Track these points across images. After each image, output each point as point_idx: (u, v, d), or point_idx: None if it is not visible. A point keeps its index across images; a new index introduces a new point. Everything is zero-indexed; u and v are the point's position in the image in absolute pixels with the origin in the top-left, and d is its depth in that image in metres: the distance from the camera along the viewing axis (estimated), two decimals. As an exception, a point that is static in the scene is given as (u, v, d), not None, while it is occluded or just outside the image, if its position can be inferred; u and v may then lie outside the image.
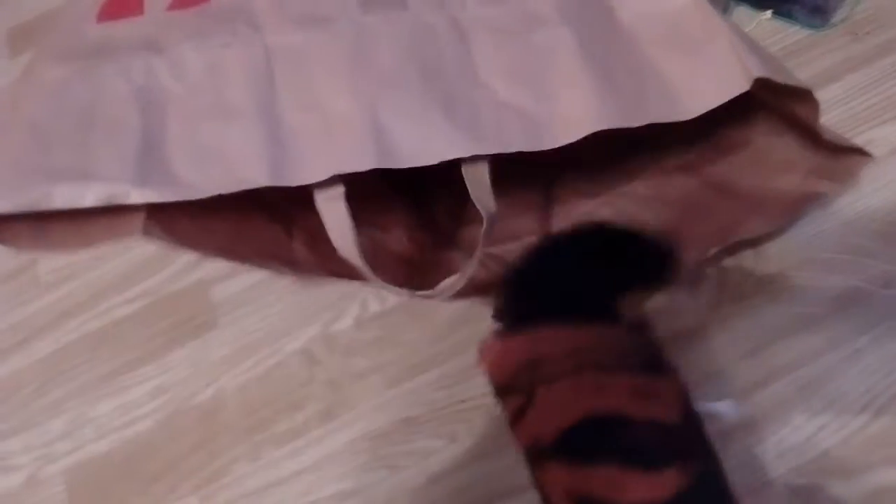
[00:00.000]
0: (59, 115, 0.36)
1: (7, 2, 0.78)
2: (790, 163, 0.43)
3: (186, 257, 0.58)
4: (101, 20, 0.41)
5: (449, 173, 0.55)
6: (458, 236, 0.53)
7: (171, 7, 0.40)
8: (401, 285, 0.47)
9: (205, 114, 0.36)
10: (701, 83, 0.33)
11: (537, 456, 0.33)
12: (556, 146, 0.32)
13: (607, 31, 0.35)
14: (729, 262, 0.48)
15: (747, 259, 0.48)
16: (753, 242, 0.47)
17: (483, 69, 0.35)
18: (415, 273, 0.50)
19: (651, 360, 0.35)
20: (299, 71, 0.36)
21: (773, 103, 0.39)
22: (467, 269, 0.38)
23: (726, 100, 0.32)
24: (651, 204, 0.49)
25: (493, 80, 0.35)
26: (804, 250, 0.48)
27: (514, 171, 0.39)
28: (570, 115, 0.33)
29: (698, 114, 0.32)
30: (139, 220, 0.39)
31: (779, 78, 0.32)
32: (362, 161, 0.33)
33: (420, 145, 0.33)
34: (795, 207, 0.44)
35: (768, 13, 0.57)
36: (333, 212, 0.35)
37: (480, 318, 0.52)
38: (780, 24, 0.57)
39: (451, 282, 0.38)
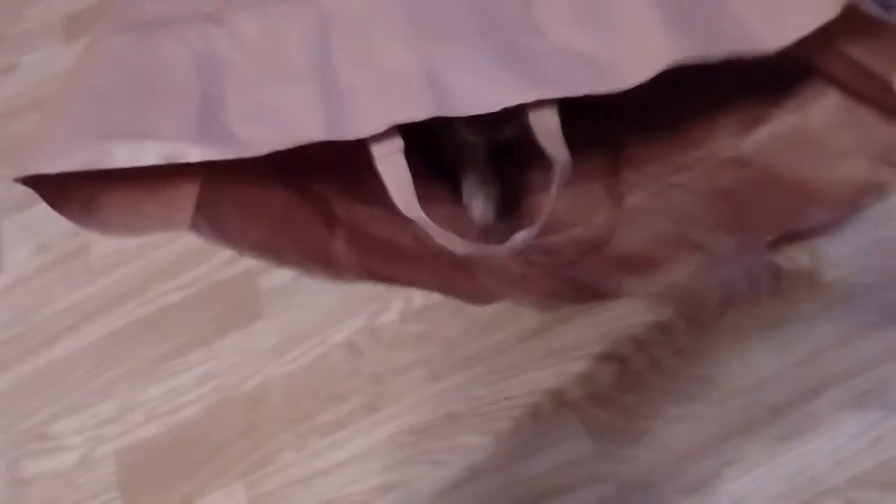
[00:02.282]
0: (118, 80, 0.36)
1: (64, -10, 0.80)
2: (854, 147, 0.41)
3: (234, 247, 0.59)
4: None
5: (492, 163, 0.55)
6: (519, 207, 0.53)
7: None
8: (445, 279, 0.47)
9: (262, 77, 0.36)
10: (781, 13, 0.31)
11: None
12: (627, 86, 0.31)
13: None
14: (784, 265, 0.47)
15: (805, 264, 0.47)
16: (809, 234, 0.46)
17: (543, 16, 0.34)
18: (462, 264, 0.50)
19: None
20: (354, 27, 0.36)
21: (837, 67, 0.36)
22: (541, 220, 0.36)
23: (813, 28, 0.30)
24: (705, 195, 0.48)
25: (555, 25, 0.33)
26: (863, 256, 0.47)
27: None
28: (639, 52, 0.31)
29: (781, 45, 0.30)
30: (188, 210, 0.40)
31: (864, 6, 0.30)
32: (419, 110, 0.32)
33: (479, 92, 0.32)
34: (858, 197, 0.42)
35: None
36: (393, 166, 0.34)
37: (524, 315, 0.52)
38: None
39: (522, 236, 0.37)
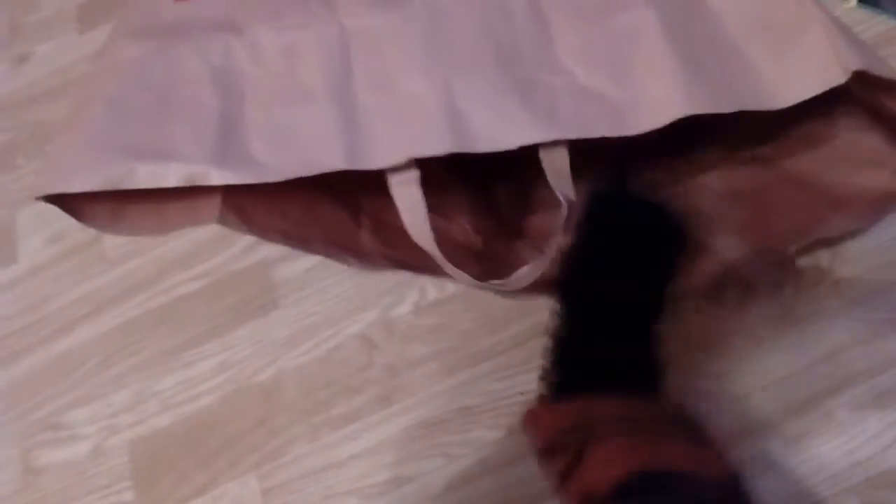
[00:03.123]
0: (136, 92, 0.37)
1: (78, -22, 0.79)
2: (877, 159, 0.41)
3: (248, 238, 0.59)
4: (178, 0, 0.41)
5: (512, 161, 0.55)
6: (523, 225, 0.53)
7: None
8: (471, 267, 0.47)
9: (281, 96, 0.36)
10: (793, 73, 0.32)
11: None
12: (641, 132, 0.31)
13: (694, 15, 0.34)
14: (805, 263, 0.47)
15: (824, 261, 0.47)
16: (832, 242, 0.46)
17: (562, 53, 0.34)
18: (480, 263, 0.50)
19: (698, 433, 0.34)
20: (374, 53, 0.36)
21: (861, 94, 0.37)
22: (544, 259, 0.37)
23: (820, 91, 0.31)
24: (726, 198, 0.48)
25: (572, 64, 0.34)
26: (884, 254, 0.46)
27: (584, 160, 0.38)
28: (654, 99, 0.32)
29: (790, 104, 0.31)
30: (215, 206, 0.40)
31: (875, 70, 0.31)
32: (438, 145, 0.33)
33: (497, 129, 0.33)
34: (880, 207, 0.43)
35: (853, 1, 0.54)
36: (407, 196, 0.35)
37: (539, 309, 0.51)
38: (866, 14, 0.54)
39: (527, 271, 0.37)
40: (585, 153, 0.35)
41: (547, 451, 0.35)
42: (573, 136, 0.32)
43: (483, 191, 0.54)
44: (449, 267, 0.37)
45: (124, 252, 0.62)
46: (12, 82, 0.75)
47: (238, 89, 0.36)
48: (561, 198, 0.34)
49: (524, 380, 0.49)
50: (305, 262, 0.57)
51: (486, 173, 0.54)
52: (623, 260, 0.39)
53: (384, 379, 0.52)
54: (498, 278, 0.48)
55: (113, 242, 0.63)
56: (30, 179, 0.67)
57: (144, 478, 0.52)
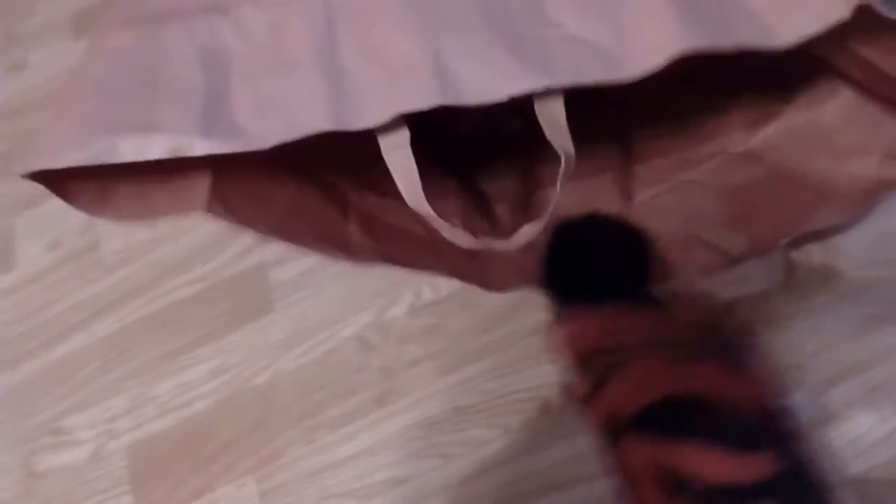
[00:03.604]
0: (123, 74, 0.37)
1: (73, -16, 0.80)
2: (865, 143, 0.41)
3: (244, 242, 0.59)
4: None
5: (503, 156, 0.55)
6: (515, 223, 0.53)
7: None
8: (457, 265, 0.47)
9: (268, 69, 0.36)
10: (793, 10, 0.30)
11: (615, 429, 0.32)
12: (637, 75, 0.30)
13: None
14: (795, 257, 0.47)
15: (815, 255, 0.47)
16: (823, 234, 0.46)
17: (552, 8, 0.33)
18: (472, 260, 0.50)
19: (729, 349, 0.34)
20: (360, 19, 0.36)
21: (849, 64, 0.36)
22: (544, 217, 0.36)
23: (824, 27, 0.30)
24: (717, 192, 0.48)
25: (563, 16, 0.33)
26: (876, 248, 0.46)
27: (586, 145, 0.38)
28: (649, 40, 0.31)
29: (792, 42, 0.30)
30: (203, 192, 0.40)
31: (879, 7, 0.30)
32: (425, 98, 0.32)
33: (486, 80, 0.32)
34: (869, 196, 0.42)
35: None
36: (399, 158, 0.34)
37: (534, 307, 0.51)
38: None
39: (528, 229, 0.37)
40: (581, 119, 0.34)
41: (583, 359, 0.35)
42: (566, 83, 0.31)
43: (471, 189, 0.54)
44: (446, 228, 0.36)
45: (121, 258, 0.62)
46: (7, 90, 0.75)
47: (224, 65, 0.36)
48: (559, 151, 0.33)
49: (519, 378, 0.50)
50: (301, 265, 0.57)
51: (474, 171, 0.54)
52: (597, 271, 0.39)
53: (380, 380, 0.52)
54: (486, 274, 0.48)
55: (110, 248, 0.63)
56: (28, 187, 0.67)
57: (142, 482, 0.52)
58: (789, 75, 0.44)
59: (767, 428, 0.32)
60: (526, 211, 0.54)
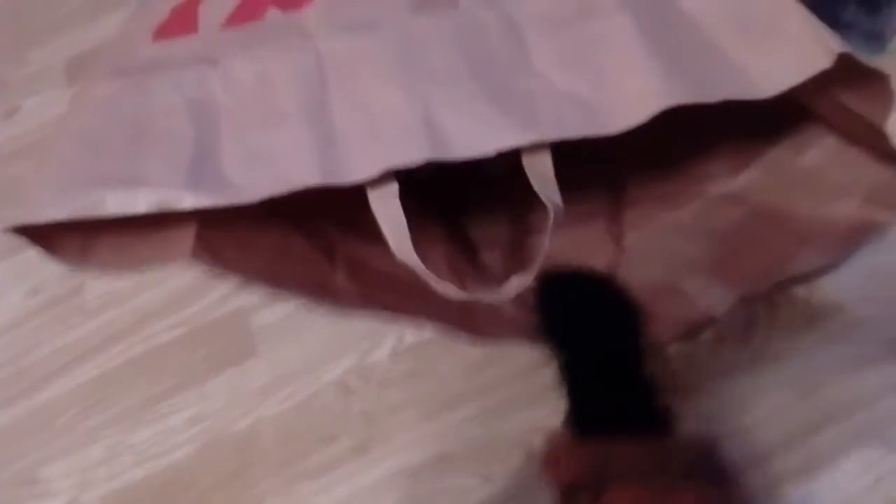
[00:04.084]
0: (110, 126, 0.36)
1: (66, 32, 0.81)
2: (846, 186, 0.41)
3: (226, 286, 0.59)
4: (156, 39, 0.41)
5: (489, 202, 0.55)
6: (503, 269, 0.52)
7: (226, 24, 0.41)
8: (446, 314, 0.47)
9: (256, 122, 0.36)
10: (776, 62, 0.31)
11: None
12: (622, 129, 0.31)
13: (669, 18, 0.34)
14: (779, 297, 0.46)
15: (799, 294, 0.46)
16: (805, 277, 0.45)
17: (538, 61, 0.34)
18: (458, 307, 0.49)
19: (716, 474, 0.35)
20: (349, 74, 0.36)
21: (829, 110, 0.37)
22: (535, 265, 0.36)
23: (806, 77, 0.30)
24: (698, 237, 0.47)
25: (548, 70, 0.33)
26: (861, 286, 0.46)
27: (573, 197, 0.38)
28: (633, 97, 0.31)
29: (775, 92, 0.30)
30: (188, 242, 0.40)
31: (859, 57, 0.30)
32: (414, 153, 0.32)
33: (474, 135, 0.32)
34: (851, 239, 0.42)
35: (822, 25, 0.55)
36: (388, 210, 0.34)
37: (517, 352, 0.51)
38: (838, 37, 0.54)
39: (516, 282, 0.36)
40: (570, 166, 0.35)
41: (565, 495, 0.36)
42: (553, 137, 0.32)
43: (459, 236, 0.54)
44: (435, 280, 0.36)
45: (103, 302, 0.62)
46: (0, 136, 0.76)
47: (212, 118, 0.36)
48: (548, 203, 0.33)
49: (502, 424, 0.49)
50: (282, 310, 0.57)
51: (462, 218, 0.54)
52: (585, 326, 0.40)
53: (361, 427, 0.51)
54: (473, 322, 0.48)
55: (92, 293, 0.62)
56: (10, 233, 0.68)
57: (117, 534, 0.51)
58: (772, 118, 0.44)
59: None
60: (516, 258, 0.53)
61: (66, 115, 0.39)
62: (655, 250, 0.49)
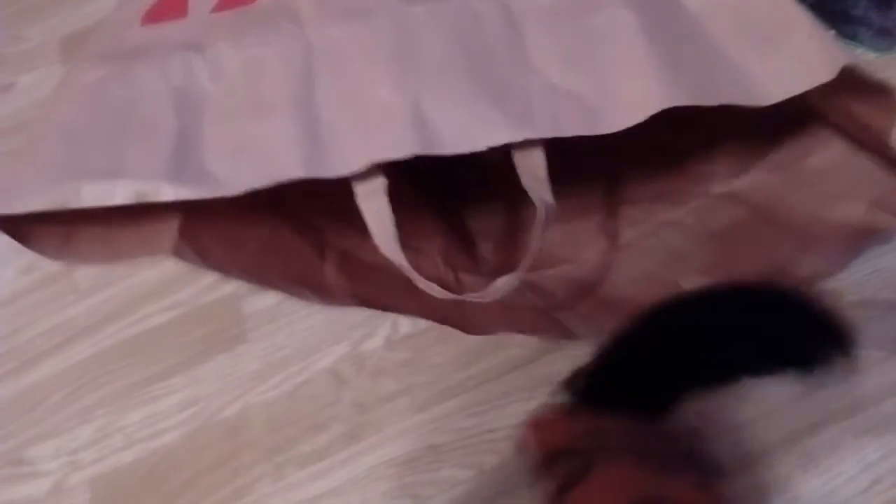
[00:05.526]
0: (92, 115, 0.36)
1: (61, 9, 0.80)
2: (852, 190, 0.40)
3: (221, 269, 0.58)
4: (144, 23, 0.40)
5: (488, 191, 0.54)
6: (498, 260, 0.52)
7: (216, 9, 0.40)
8: (435, 308, 0.46)
9: (241, 112, 0.35)
10: (780, 70, 0.30)
11: None
12: (618, 129, 0.30)
13: (673, 17, 0.33)
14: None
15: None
16: (805, 282, 0.44)
17: (535, 55, 0.33)
18: (450, 302, 0.49)
19: (709, 466, 0.34)
20: (340, 66, 0.35)
21: (837, 115, 0.36)
22: (523, 265, 0.35)
23: (808, 87, 0.30)
24: (697, 235, 0.47)
25: (546, 65, 0.32)
26: (862, 288, 0.45)
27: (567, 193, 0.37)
28: (631, 97, 0.30)
29: (775, 101, 0.30)
30: (170, 237, 0.39)
31: (864, 71, 0.30)
32: (402, 148, 0.31)
33: (466, 131, 0.31)
34: (855, 243, 0.41)
35: (830, 35, 0.54)
36: (374, 206, 0.33)
37: (511, 344, 0.50)
38: (844, 47, 0.53)
39: (505, 281, 0.36)
40: (565, 157, 0.34)
41: (550, 460, 0.34)
42: (547, 135, 0.31)
43: (455, 227, 0.53)
44: (420, 280, 0.35)
45: (96, 283, 0.61)
46: (-6, 112, 0.75)
47: (197, 107, 0.35)
48: (537, 202, 0.32)
49: (496, 416, 0.48)
50: (276, 295, 0.56)
51: (459, 209, 0.53)
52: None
53: (352, 415, 0.50)
54: (464, 315, 0.47)
55: (85, 273, 0.62)
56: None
57: (104, 517, 0.51)
58: (778, 118, 0.44)
59: None
60: (509, 252, 0.52)
61: (51, 100, 0.38)
62: (654, 247, 0.48)
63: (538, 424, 0.36)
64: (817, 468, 0.41)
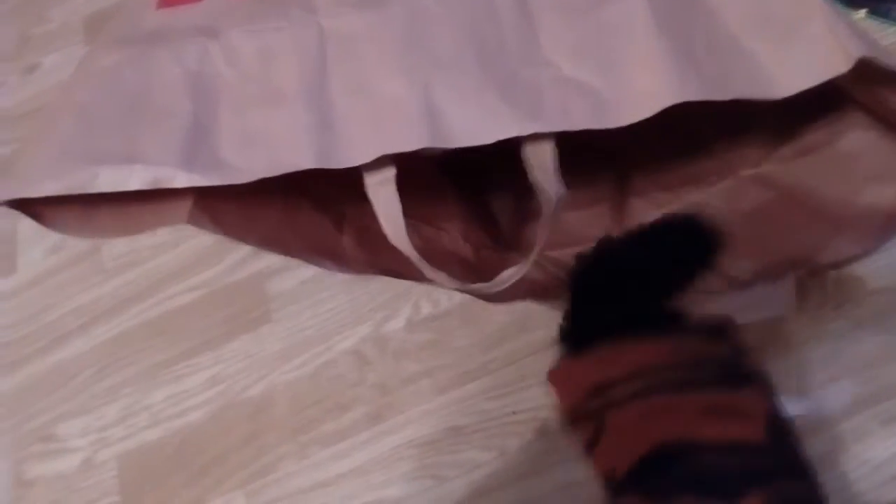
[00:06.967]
0: (108, 100, 0.36)
1: (84, -10, 0.80)
2: (882, 173, 0.39)
3: (244, 249, 0.58)
4: (160, 7, 0.40)
5: (508, 167, 0.54)
6: (517, 236, 0.51)
7: None
8: (459, 276, 0.46)
9: (255, 100, 0.35)
10: (795, 62, 0.30)
11: (614, 490, 0.31)
12: (628, 123, 0.30)
13: (686, 8, 0.32)
14: (808, 284, 0.45)
15: (829, 280, 0.45)
16: (836, 265, 0.44)
17: (547, 47, 0.32)
18: (470, 273, 0.48)
19: (728, 370, 0.32)
20: (352, 55, 0.35)
21: (867, 98, 0.35)
22: (529, 259, 0.35)
23: (824, 80, 0.29)
24: (724, 217, 0.46)
25: (558, 58, 0.32)
26: (892, 274, 0.44)
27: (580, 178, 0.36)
28: (643, 90, 0.30)
29: (792, 93, 0.29)
30: (185, 207, 0.39)
31: (883, 60, 0.29)
32: (413, 140, 0.31)
33: (475, 124, 0.31)
34: (887, 227, 0.40)
35: (862, 12, 0.52)
36: (383, 196, 0.33)
37: (535, 326, 0.50)
38: (876, 24, 0.52)
39: (510, 273, 0.36)
40: (575, 153, 0.33)
41: (572, 417, 0.33)
42: (557, 128, 0.30)
43: (477, 202, 0.53)
44: (427, 268, 0.35)
45: (122, 263, 0.62)
46: (20, 93, 0.75)
47: (212, 93, 0.36)
48: (546, 196, 0.32)
49: (517, 399, 0.48)
50: (299, 276, 0.56)
51: (481, 185, 0.53)
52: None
53: (375, 396, 0.50)
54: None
55: (111, 253, 0.62)
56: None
57: (132, 493, 0.51)
58: (808, 101, 0.43)
59: (763, 463, 0.30)
60: (522, 237, 0.52)
61: (68, 84, 0.38)
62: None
63: (554, 383, 0.35)
64: (844, 455, 0.40)
